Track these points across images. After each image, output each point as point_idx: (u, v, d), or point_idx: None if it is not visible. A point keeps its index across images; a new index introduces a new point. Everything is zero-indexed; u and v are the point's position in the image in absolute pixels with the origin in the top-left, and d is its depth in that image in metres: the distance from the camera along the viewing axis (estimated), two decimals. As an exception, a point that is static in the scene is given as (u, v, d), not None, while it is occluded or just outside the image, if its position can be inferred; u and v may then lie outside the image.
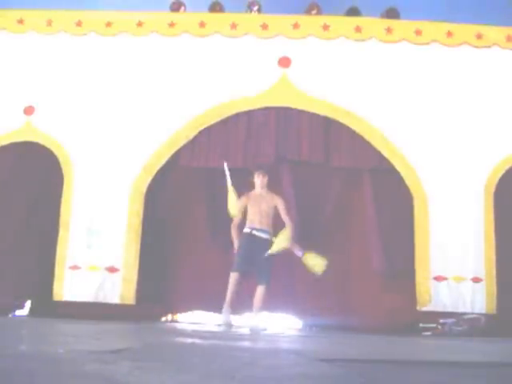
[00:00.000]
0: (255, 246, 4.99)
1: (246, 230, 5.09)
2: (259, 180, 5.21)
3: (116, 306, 5.69)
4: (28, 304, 5.87)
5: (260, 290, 4.94)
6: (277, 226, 5.13)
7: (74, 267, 5.79)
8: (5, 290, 5.62)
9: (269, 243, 4.99)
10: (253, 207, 5.14)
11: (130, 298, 5.72)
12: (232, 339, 3.49)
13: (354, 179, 6.06)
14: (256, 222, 5.08)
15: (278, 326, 5.85)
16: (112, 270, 5.78)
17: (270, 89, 6.14)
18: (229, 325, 4.87)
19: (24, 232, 5.86)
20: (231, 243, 5.13)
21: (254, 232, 5.06)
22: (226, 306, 4.88)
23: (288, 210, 5.21)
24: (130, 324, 5.01)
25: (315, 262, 5.07)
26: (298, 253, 5.07)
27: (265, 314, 5.35)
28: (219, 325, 5.05)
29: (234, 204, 5.15)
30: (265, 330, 4.87)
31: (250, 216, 5.14)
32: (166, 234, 5.93)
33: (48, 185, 6.00)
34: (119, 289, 5.74)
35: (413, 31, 6.22)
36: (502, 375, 1.99)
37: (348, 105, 6.04)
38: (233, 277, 4.95)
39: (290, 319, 6.14)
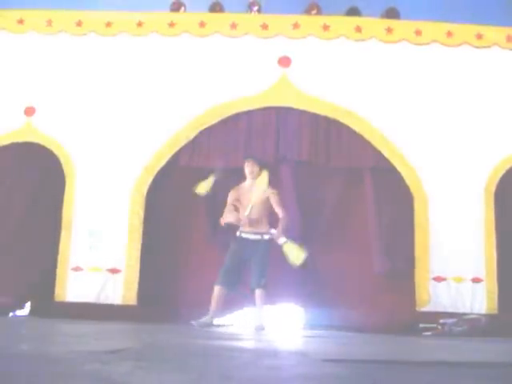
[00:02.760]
0: (244, 250, 4.91)
1: (237, 233, 5.03)
2: (248, 168, 5.10)
3: (118, 306, 5.69)
4: (29, 304, 5.87)
5: (259, 295, 4.80)
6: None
7: (76, 268, 5.80)
8: (5, 290, 5.62)
9: (259, 243, 4.90)
10: (243, 203, 5.04)
11: (131, 299, 5.73)
12: (232, 339, 3.49)
13: (354, 179, 6.06)
14: (245, 224, 4.98)
15: (279, 323, 5.83)
16: (114, 271, 5.79)
17: (269, 89, 6.15)
18: (208, 325, 4.79)
19: (25, 232, 5.85)
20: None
21: (243, 235, 4.99)
22: (210, 313, 4.87)
23: (281, 201, 5.05)
24: (132, 324, 5.01)
25: (295, 253, 4.83)
26: (280, 240, 4.85)
27: (268, 309, 5.21)
28: (199, 324, 4.85)
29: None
30: (263, 328, 4.79)
31: (240, 214, 5.03)
32: (167, 235, 5.93)
33: (48, 185, 6.00)
34: (121, 290, 5.75)
35: (413, 31, 6.22)
36: (502, 375, 1.99)
37: (348, 105, 6.04)
38: (216, 290, 4.86)
39: (293, 311, 6.04)
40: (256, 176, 5.10)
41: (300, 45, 6.24)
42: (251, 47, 6.26)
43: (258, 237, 4.95)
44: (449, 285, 5.68)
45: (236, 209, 5.10)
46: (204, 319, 4.86)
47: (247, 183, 5.16)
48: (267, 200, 5.02)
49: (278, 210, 4.99)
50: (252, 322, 5.02)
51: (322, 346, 3.48)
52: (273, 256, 5.36)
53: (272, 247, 5.01)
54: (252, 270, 4.89)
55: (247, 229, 5.00)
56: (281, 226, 4.93)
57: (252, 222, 4.97)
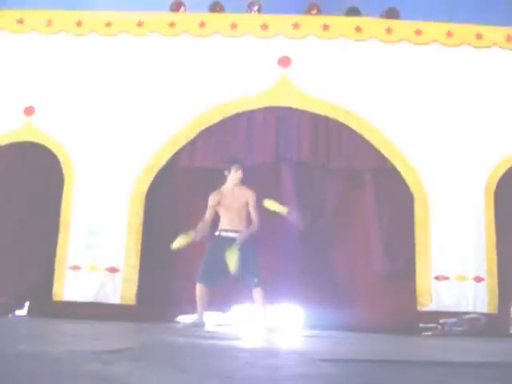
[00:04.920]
0: (224, 249, 4.85)
1: (216, 232, 5.06)
2: (237, 175, 5.08)
3: (116, 306, 5.69)
4: (28, 304, 5.87)
5: (256, 294, 4.82)
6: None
7: (75, 267, 5.79)
8: (5, 290, 5.62)
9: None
10: (224, 206, 5.07)
11: (130, 299, 5.72)
12: (232, 339, 3.49)
13: (354, 179, 6.06)
14: (226, 223, 5.03)
15: (280, 322, 5.81)
16: (112, 270, 5.78)
17: (270, 89, 6.14)
18: (198, 326, 4.81)
19: (24, 232, 5.85)
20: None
21: (223, 233, 5.01)
22: (199, 316, 4.89)
23: (258, 206, 5.03)
24: (131, 324, 5.01)
25: (233, 260, 4.70)
26: (237, 243, 4.80)
27: (270, 309, 5.18)
28: (187, 326, 4.89)
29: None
30: (274, 330, 4.78)
31: (221, 216, 5.08)
32: (167, 235, 5.91)
33: (48, 185, 6.00)
34: (120, 289, 5.73)
35: (413, 31, 6.21)
36: (502, 375, 1.99)
37: (348, 104, 6.03)
38: (198, 288, 4.91)
39: (293, 311, 6.03)
40: (239, 183, 5.11)
41: (300, 45, 6.23)
42: (251, 47, 6.25)
43: (236, 235, 4.94)
44: (451, 284, 5.67)
45: (216, 212, 5.10)
46: (193, 320, 4.91)
47: (229, 187, 5.14)
48: (247, 202, 5.05)
49: (254, 215, 5.02)
50: (259, 323, 4.97)
51: (322, 345, 3.47)
52: (273, 256, 5.37)
53: (268, 247, 5.04)
54: (243, 269, 4.78)
55: (227, 228, 5.02)
56: (248, 231, 4.97)
57: (233, 222, 5.00)
